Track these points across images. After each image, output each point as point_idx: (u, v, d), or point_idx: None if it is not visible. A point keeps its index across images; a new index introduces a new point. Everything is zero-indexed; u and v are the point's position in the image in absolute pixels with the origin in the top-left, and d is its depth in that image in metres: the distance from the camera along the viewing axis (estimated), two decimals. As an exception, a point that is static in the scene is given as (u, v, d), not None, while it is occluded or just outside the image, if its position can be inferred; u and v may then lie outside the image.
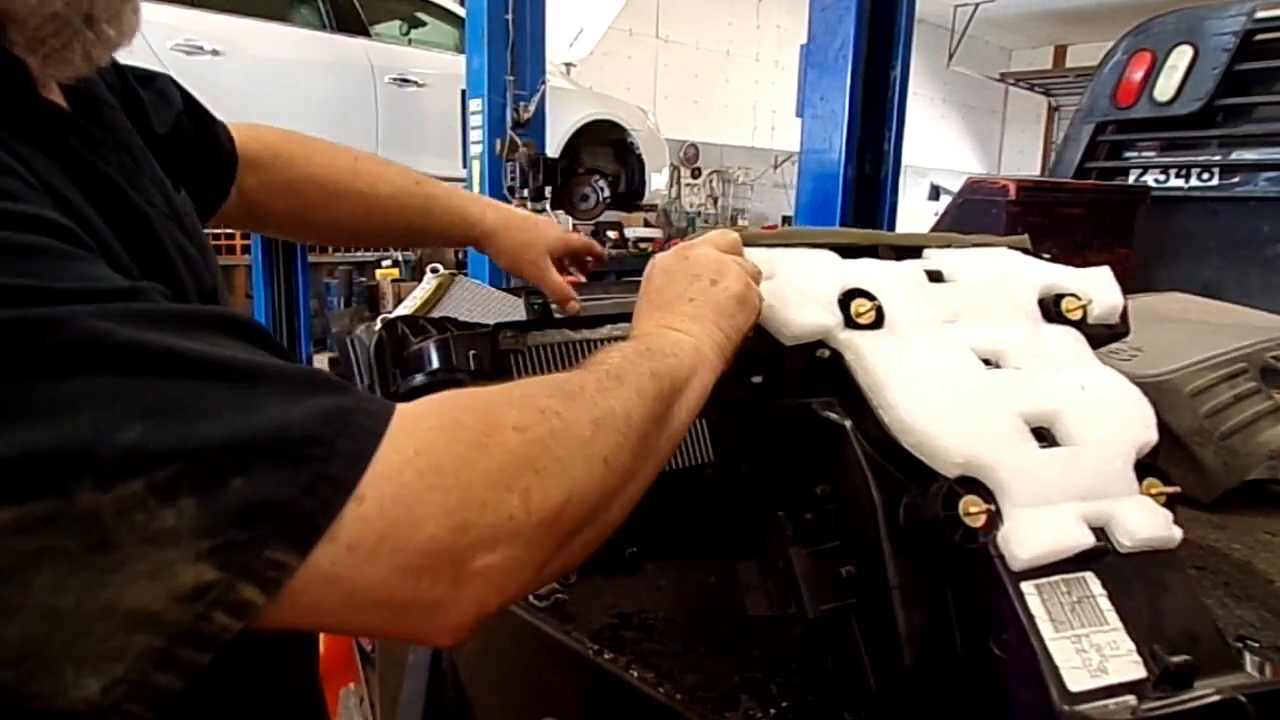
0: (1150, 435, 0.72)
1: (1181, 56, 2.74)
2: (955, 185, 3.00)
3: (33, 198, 0.46)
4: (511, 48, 4.37)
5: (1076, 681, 0.57)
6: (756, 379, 0.79)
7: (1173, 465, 1.27)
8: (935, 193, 11.99)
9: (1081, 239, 2.57)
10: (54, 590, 0.37)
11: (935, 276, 0.84)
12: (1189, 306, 1.74)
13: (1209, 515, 1.22)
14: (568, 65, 7.69)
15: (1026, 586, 0.61)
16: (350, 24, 5.66)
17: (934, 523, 0.63)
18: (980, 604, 0.63)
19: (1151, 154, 2.92)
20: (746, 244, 0.82)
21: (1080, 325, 0.82)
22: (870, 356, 0.73)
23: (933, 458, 0.66)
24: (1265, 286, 2.58)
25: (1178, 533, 0.66)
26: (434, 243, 1.12)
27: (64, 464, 0.37)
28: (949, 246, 0.90)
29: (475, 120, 4.47)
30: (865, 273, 0.81)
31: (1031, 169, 14.76)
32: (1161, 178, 2.86)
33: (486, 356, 0.98)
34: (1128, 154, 2.97)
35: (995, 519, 0.63)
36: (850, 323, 0.76)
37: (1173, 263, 2.79)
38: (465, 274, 1.42)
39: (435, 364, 0.97)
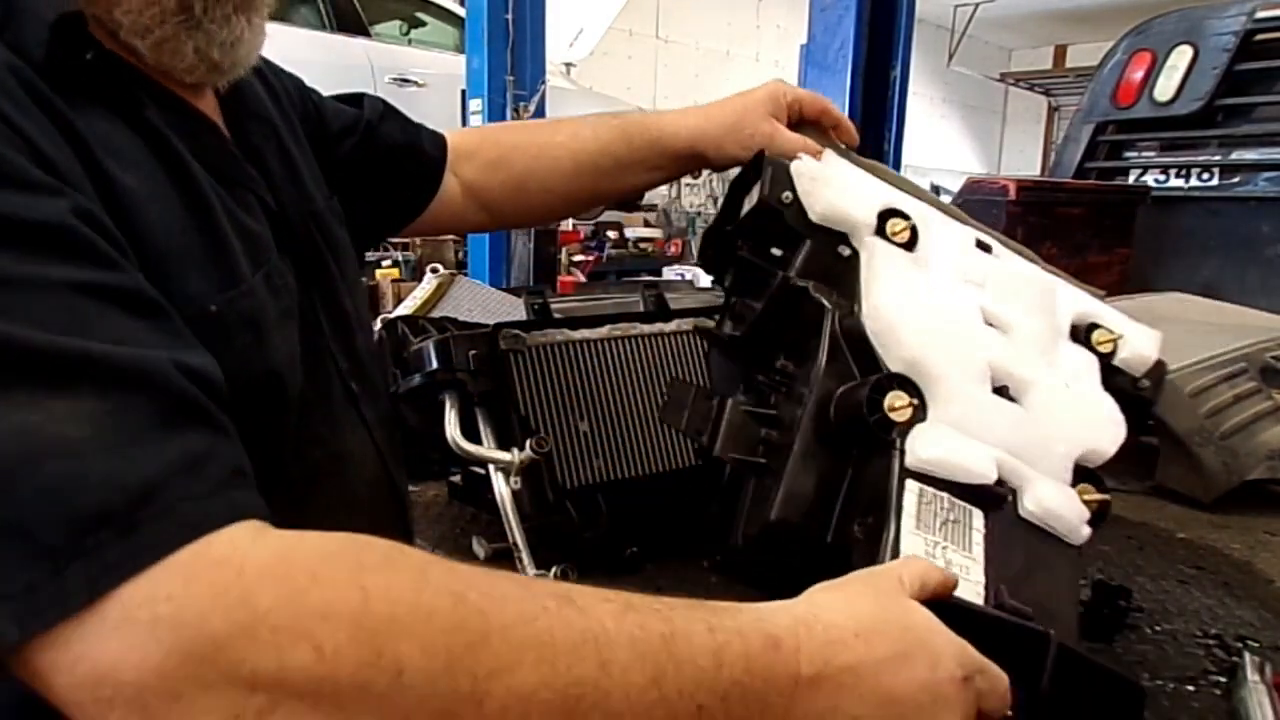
0: (1106, 449, 0.75)
1: (1181, 56, 2.74)
2: (955, 185, 3.00)
3: None
4: (511, 48, 4.37)
5: None
6: (776, 251, 0.81)
7: (1173, 465, 1.27)
8: (935, 192, 11.98)
9: (1081, 239, 2.57)
10: None
11: (983, 247, 0.87)
12: (1189, 306, 1.74)
13: (1209, 515, 1.22)
14: (568, 65, 7.70)
15: (910, 484, 0.63)
16: (350, 24, 5.66)
17: (857, 406, 0.66)
18: (864, 491, 0.66)
19: (1151, 154, 2.92)
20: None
21: (1106, 360, 0.84)
22: (881, 259, 0.77)
23: (885, 347, 0.70)
24: (1265, 286, 2.58)
25: (1085, 531, 0.69)
26: (645, 176, 1.06)
27: None
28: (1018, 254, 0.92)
29: (475, 120, 4.47)
30: (919, 210, 0.84)
31: (1031, 169, 14.75)
32: (1161, 178, 2.86)
33: (486, 356, 0.98)
34: (1128, 154, 2.97)
35: (914, 421, 0.66)
36: (882, 234, 0.80)
37: (1173, 263, 2.79)
38: (465, 274, 1.42)
39: (435, 364, 0.97)
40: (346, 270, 0.84)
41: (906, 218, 0.81)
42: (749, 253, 0.84)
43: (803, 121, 0.98)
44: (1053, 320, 0.84)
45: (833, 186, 0.80)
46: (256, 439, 0.53)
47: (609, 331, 1.07)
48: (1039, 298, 0.85)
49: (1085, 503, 0.71)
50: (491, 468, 0.95)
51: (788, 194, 0.80)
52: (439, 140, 1.05)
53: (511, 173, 1.07)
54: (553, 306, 1.19)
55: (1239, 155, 2.72)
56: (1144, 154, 2.93)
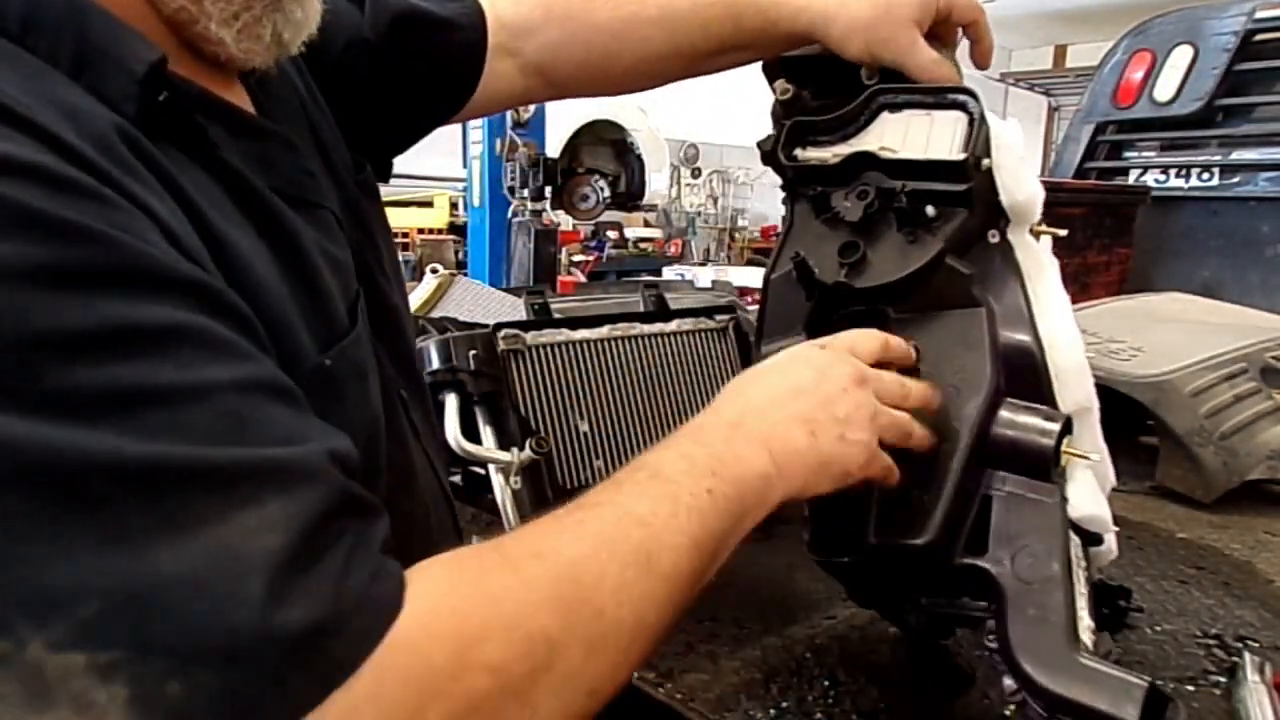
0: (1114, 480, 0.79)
1: (1181, 56, 2.73)
2: (955, 185, 2.99)
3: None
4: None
5: (1081, 631, 0.60)
6: (930, 210, 0.72)
7: (1173, 465, 1.27)
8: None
9: (1081, 239, 2.57)
10: None
11: None
12: (1189, 306, 1.74)
13: (1209, 515, 1.22)
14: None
15: (1073, 535, 0.65)
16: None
17: (1033, 444, 0.65)
18: (1020, 529, 0.65)
19: (1151, 154, 2.92)
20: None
21: None
22: (1041, 270, 0.74)
23: (1064, 386, 0.69)
24: (1265, 286, 2.58)
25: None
26: (748, 56, 0.95)
27: (25, 616, 0.36)
28: None
29: (475, 120, 4.47)
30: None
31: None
32: (1161, 178, 2.85)
33: (486, 356, 0.98)
34: (1128, 154, 2.97)
35: (1069, 468, 0.67)
36: (1033, 231, 0.76)
37: (1173, 263, 2.78)
38: (465, 274, 1.42)
39: (435, 364, 0.97)
40: (386, 263, 0.78)
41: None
42: (895, 199, 0.73)
43: (932, 33, 0.85)
44: None
45: (1028, 173, 0.74)
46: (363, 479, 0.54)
47: (609, 331, 1.08)
48: None
49: None
50: (491, 468, 0.95)
51: (987, 160, 0.72)
52: (476, 29, 0.92)
53: (590, 53, 0.96)
54: (553, 306, 1.19)
55: (1239, 155, 2.72)
56: (1144, 154, 2.93)
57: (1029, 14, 13.05)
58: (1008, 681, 0.62)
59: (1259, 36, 2.60)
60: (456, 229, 5.71)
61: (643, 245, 7.41)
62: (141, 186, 0.46)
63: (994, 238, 0.73)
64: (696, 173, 11.13)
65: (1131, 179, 2.91)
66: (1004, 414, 0.67)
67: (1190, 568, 1.05)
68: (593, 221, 6.80)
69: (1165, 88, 2.76)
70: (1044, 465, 0.64)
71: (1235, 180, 2.73)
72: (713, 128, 11.46)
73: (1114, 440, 1.48)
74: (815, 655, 0.82)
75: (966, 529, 0.66)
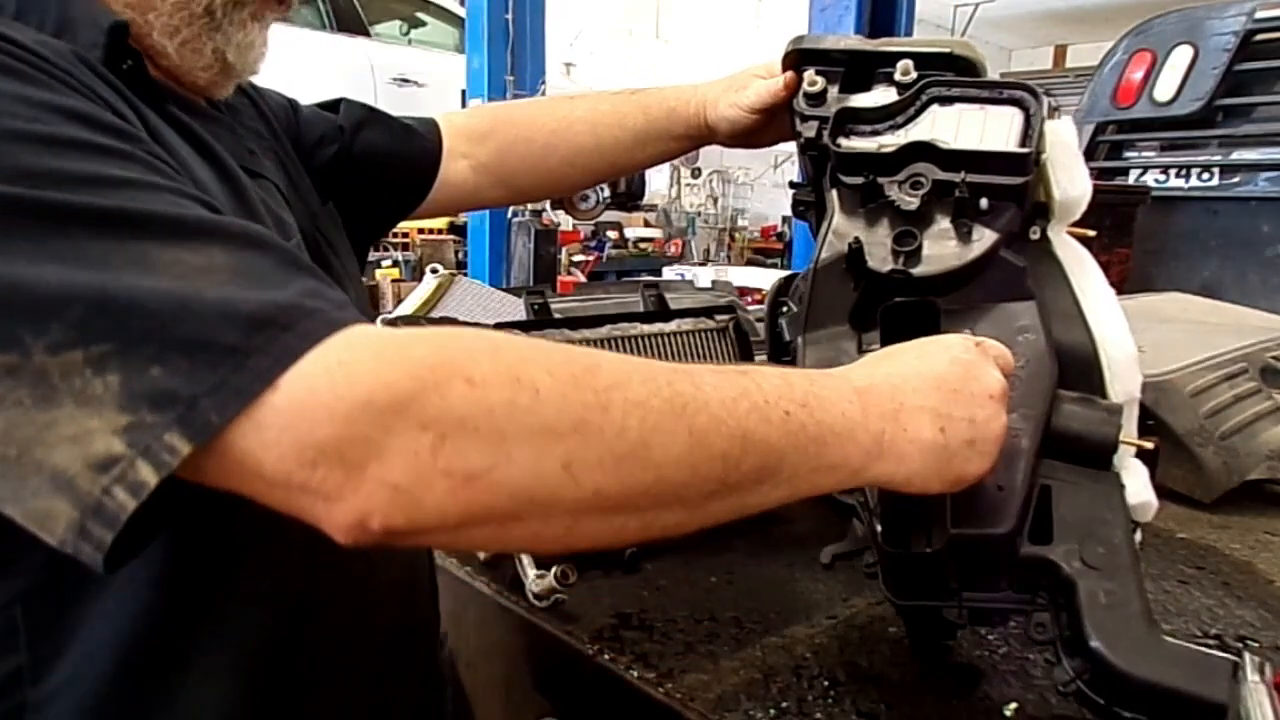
0: None
1: (1181, 56, 2.73)
2: (955, 185, 2.99)
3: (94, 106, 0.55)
4: (511, 48, 4.37)
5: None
6: (984, 202, 0.73)
7: (1173, 465, 1.27)
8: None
9: (1082, 239, 2.57)
10: (6, 438, 0.44)
11: None
12: (1189, 306, 1.74)
13: (1209, 515, 1.22)
14: (568, 65, 7.69)
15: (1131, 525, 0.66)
16: (350, 24, 5.66)
17: (1092, 434, 0.66)
18: (1081, 517, 0.65)
19: (1151, 154, 2.92)
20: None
21: None
22: (1084, 267, 0.74)
23: (1117, 378, 0.70)
24: (1265, 286, 2.57)
25: None
26: (661, 147, 1.07)
27: (26, 325, 0.44)
28: None
29: (475, 120, 4.47)
30: None
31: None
32: (1161, 178, 2.85)
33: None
34: (1128, 154, 2.97)
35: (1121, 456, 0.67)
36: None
37: (1173, 263, 2.78)
38: (465, 274, 1.42)
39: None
40: (349, 267, 0.88)
41: None
42: (951, 190, 0.72)
43: None
44: None
45: (1081, 170, 0.73)
46: None
47: (609, 331, 1.08)
48: None
49: None
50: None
51: (1044, 155, 0.72)
52: (432, 135, 1.07)
53: (531, 150, 1.09)
54: (553, 306, 1.19)
55: (1239, 155, 2.72)
56: (1144, 154, 2.93)
57: (1029, 14, 13.04)
58: (1059, 672, 0.63)
59: (1259, 36, 2.60)
60: (456, 229, 5.71)
61: (643, 245, 7.41)
62: (97, 85, 0.57)
63: (1035, 234, 0.73)
64: (696, 173, 11.12)
65: (1131, 179, 2.91)
66: (1066, 405, 0.67)
67: (1190, 568, 1.05)
68: (593, 221, 6.79)
69: (1165, 88, 2.76)
70: (1106, 454, 0.65)
71: (1235, 180, 2.72)
72: (713, 128, 11.44)
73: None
74: (815, 655, 0.82)
75: (1030, 520, 0.66)
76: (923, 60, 0.82)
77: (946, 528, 0.64)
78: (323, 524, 0.46)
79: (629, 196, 7.01)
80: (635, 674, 0.79)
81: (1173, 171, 2.84)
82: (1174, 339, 1.41)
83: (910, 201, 0.73)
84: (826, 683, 0.77)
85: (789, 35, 0.96)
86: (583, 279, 5.39)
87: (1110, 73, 2.93)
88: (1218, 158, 2.76)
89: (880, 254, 0.74)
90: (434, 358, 0.46)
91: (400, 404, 0.44)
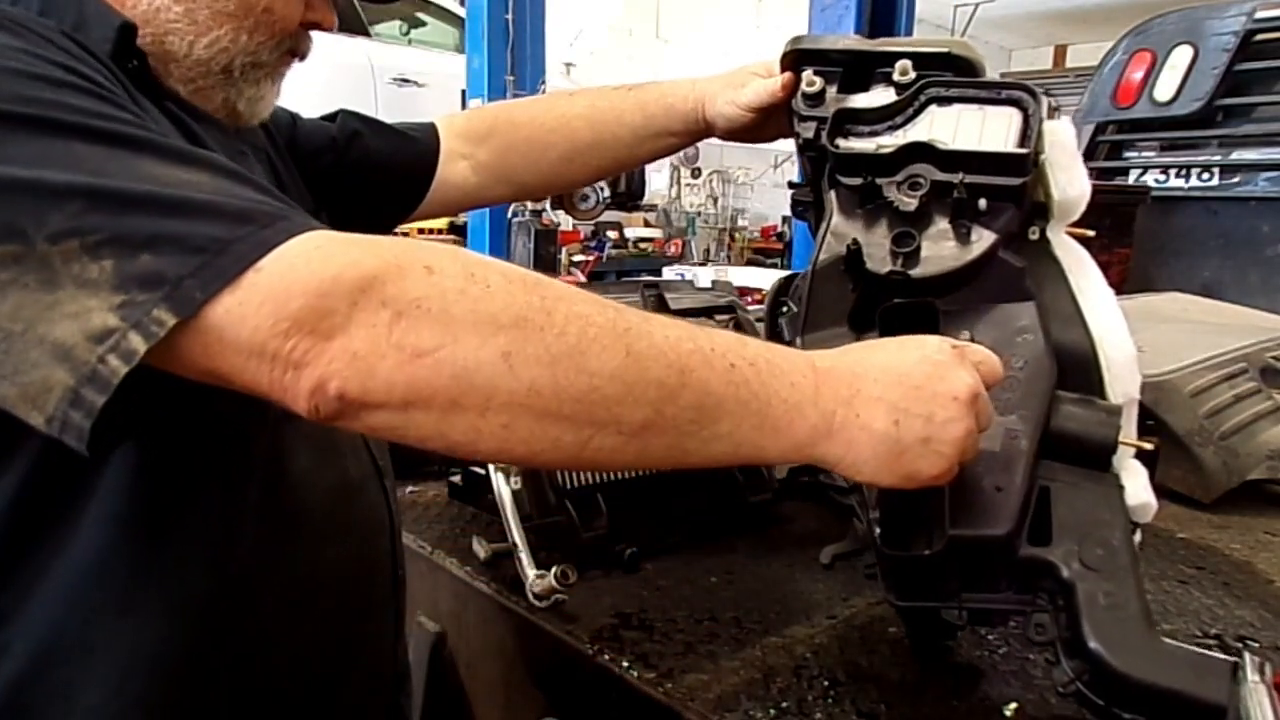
0: None
1: (1181, 56, 2.73)
2: (955, 185, 2.98)
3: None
4: (511, 48, 4.37)
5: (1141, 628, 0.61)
6: (983, 203, 0.72)
7: (1173, 465, 1.27)
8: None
9: (1082, 239, 2.57)
10: (13, 316, 0.50)
11: None
12: (1189, 306, 1.74)
13: (1209, 515, 1.22)
14: (568, 65, 7.69)
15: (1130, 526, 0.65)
16: (350, 24, 5.66)
17: (1092, 436, 0.65)
18: (1081, 519, 0.65)
19: (1151, 154, 2.91)
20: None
21: None
22: (1082, 266, 0.73)
23: (1117, 379, 0.69)
24: (1265, 286, 2.57)
25: None
26: (660, 142, 1.10)
27: (29, 218, 0.50)
28: None
29: (475, 120, 4.46)
30: None
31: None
32: (1161, 178, 2.85)
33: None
34: (1128, 154, 2.96)
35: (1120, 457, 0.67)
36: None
37: (1173, 263, 2.78)
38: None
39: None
40: None
41: None
42: (952, 191, 0.72)
43: None
44: None
45: (1081, 171, 0.73)
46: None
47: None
48: None
49: None
50: (492, 467, 0.95)
51: (1043, 155, 0.71)
52: (429, 140, 1.09)
53: (531, 148, 1.11)
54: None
55: (1239, 155, 2.72)
56: (1144, 154, 2.93)
57: (1029, 14, 13.04)
58: (1057, 673, 0.63)
59: (1259, 36, 2.60)
60: (456, 229, 5.71)
61: (643, 245, 7.41)
62: (100, 74, 0.61)
63: (1034, 234, 0.73)
64: (696, 173, 11.12)
65: (1131, 179, 2.91)
66: (1065, 406, 0.67)
67: (1190, 568, 1.05)
68: (593, 221, 6.78)
69: (1165, 88, 2.76)
70: (1105, 456, 0.65)
71: (1235, 180, 2.72)
72: (713, 128, 11.43)
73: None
74: (815, 655, 0.82)
75: (1028, 521, 0.66)
76: (921, 60, 0.82)
77: (945, 529, 0.64)
78: (288, 394, 0.51)
79: (629, 196, 7.00)
80: (635, 674, 0.79)
81: (1173, 171, 2.84)
82: (1174, 339, 1.40)
83: (909, 202, 0.73)
84: (826, 683, 0.77)
85: (789, 35, 0.95)
86: (583, 279, 5.38)
87: (1110, 73, 2.93)
88: (1218, 158, 2.76)
89: (879, 255, 0.74)
90: (399, 249, 0.52)
91: (366, 282, 0.50)
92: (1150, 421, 1.31)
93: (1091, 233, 0.77)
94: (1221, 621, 0.91)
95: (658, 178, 7.00)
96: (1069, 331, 0.71)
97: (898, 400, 0.59)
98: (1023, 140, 0.73)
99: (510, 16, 4.31)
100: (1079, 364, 0.70)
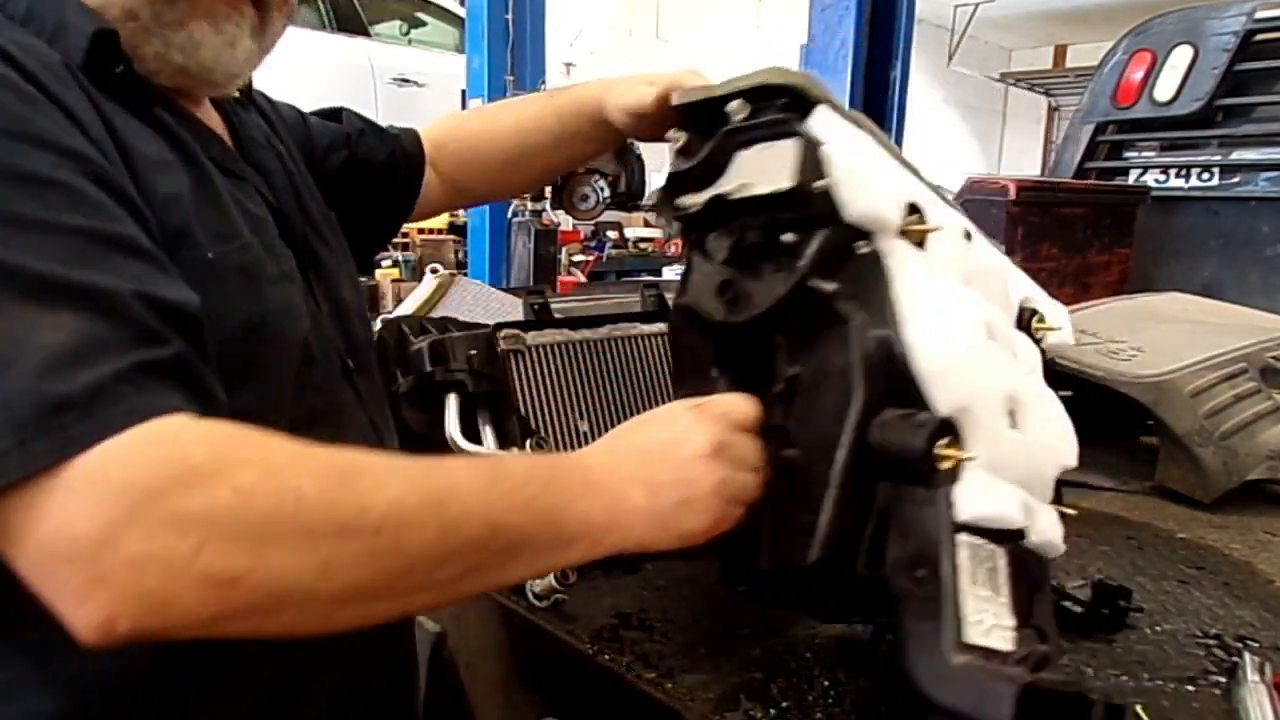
0: (1072, 461, 0.77)
1: (1181, 56, 2.73)
2: (955, 185, 3.00)
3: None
4: (511, 48, 4.37)
5: (972, 633, 0.60)
6: (788, 237, 0.73)
7: (1173, 465, 1.27)
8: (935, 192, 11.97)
9: (1081, 239, 2.57)
10: None
11: (967, 235, 0.83)
12: (1189, 306, 1.74)
13: (1209, 515, 1.22)
14: (568, 65, 7.69)
15: (961, 538, 0.64)
16: (350, 24, 5.66)
17: (909, 455, 0.64)
18: (908, 535, 0.65)
19: (1151, 154, 2.91)
20: (827, 103, 0.76)
21: (1039, 345, 0.85)
22: (907, 272, 0.72)
23: (935, 389, 0.67)
24: (1265, 286, 2.57)
25: (1062, 547, 0.72)
26: (579, 146, 1.12)
27: None
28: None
29: (475, 120, 4.46)
30: (922, 195, 0.77)
31: (1031, 169, 14.74)
32: (1161, 178, 2.85)
33: (486, 356, 0.98)
34: (1128, 154, 2.96)
35: (955, 470, 0.65)
36: (903, 232, 0.73)
37: (1173, 263, 2.78)
38: (465, 274, 1.43)
39: (434, 364, 0.97)
40: (345, 268, 0.89)
41: (920, 213, 0.74)
42: (757, 233, 0.75)
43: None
44: (1011, 311, 0.83)
45: (872, 183, 0.73)
46: (255, 376, 0.68)
47: (609, 331, 1.08)
48: (1003, 288, 0.83)
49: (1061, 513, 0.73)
50: (491, 468, 0.95)
51: (821, 182, 0.71)
52: (416, 145, 1.11)
53: (478, 160, 1.15)
54: (553, 306, 1.19)
55: (1239, 155, 2.72)
56: (1144, 154, 2.93)
57: (1029, 14, 13.05)
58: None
59: (1259, 36, 2.60)
60: (456, 229, 5.71)
61: (643, 245, 7.40)
62: (69, 94, 0.60)
63: (862, 248, 0.72)
64: (696, 173, 11.10)
65: (1131, 179, 2.91)
66: (874, 424, 0.66)
67: (1190, 568, 1.05)
68: (593, 221, 6.78)
69: (1165, 88, 2.76)
70: (917, 470, 0.64)
71: (1235, 180, 2.72)
72: (713, 128, 11.43)
73: (1114, 440, 1.48)
74: (815, 655, 0.82)
75: (865, 543, 0.66)
76: (752, 95, 0.80)
77: (759, 566, 0.69)
78: (67, 621, 0.47)
79: (629, 196, 6.98)
80: (635, 674, 0.79)
81: (1173, 171, 2.84)
82: (1174, 339, 1.41)
83: (721, 251, 0.77)
84: (827, 683, 0.77)
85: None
86: (583, 279, 5.38)
87: (1110, 73, 2.93)
88: (1218, 158, 2.76)
89: (711, 305, 0.77)
90: (210, 466, 0.48)
91: (164, 508, 0.46)
92: (1150, 421, 1.31)
93: (937, 227, 0.75)
94: (1221, 621, 0.91)
95: (658, 178, 6.98)
96: (884, 344, 0.69)
97: (650, 474, 0.65)
98: (800, 173, 0.72)
99: (510, 16, 4.31)
100: (898, 376, 0.68)
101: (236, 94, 0.86)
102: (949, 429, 0.65)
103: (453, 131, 1.16)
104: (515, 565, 0.59)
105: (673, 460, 0.66)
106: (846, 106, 0.82)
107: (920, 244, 0.74)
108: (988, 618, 0.61)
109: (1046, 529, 0.70)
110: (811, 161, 0.72)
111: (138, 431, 0.48)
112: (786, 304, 0.73)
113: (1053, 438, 0.76)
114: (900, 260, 0.72)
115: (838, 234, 0.72)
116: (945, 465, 0.64)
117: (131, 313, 0.52)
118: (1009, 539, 0.66)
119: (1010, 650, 0.60)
